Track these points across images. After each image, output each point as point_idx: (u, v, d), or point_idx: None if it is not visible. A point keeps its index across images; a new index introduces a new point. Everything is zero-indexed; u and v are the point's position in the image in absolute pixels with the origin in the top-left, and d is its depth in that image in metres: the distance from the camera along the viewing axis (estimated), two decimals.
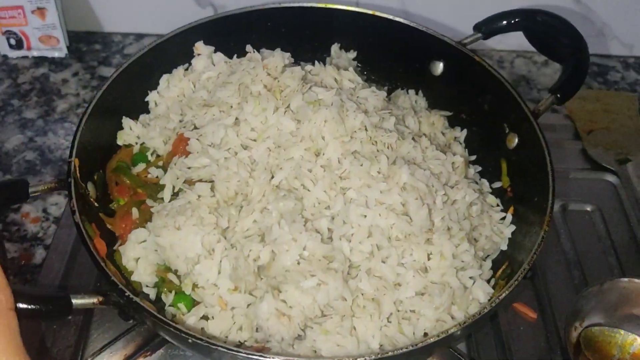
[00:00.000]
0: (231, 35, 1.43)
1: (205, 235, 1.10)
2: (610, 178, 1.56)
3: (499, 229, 1.26)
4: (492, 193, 1.33)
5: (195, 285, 1.12)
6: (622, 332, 1.21)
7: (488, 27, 1.41)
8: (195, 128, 1.28)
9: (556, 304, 1.30)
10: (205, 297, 1.11)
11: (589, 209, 1.49)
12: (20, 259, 1.37)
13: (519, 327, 1.27)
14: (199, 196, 1.15)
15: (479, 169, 1.38)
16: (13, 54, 1.83)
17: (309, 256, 1.07)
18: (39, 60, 1.84)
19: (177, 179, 1.21)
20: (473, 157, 1.40)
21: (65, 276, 1.30)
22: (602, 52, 1.96)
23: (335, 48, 1.52)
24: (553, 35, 1.36)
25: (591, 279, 1.35)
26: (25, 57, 1.84)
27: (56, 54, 1.85)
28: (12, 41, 1.80)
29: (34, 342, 1.19)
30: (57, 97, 1.75)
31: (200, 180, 1.19)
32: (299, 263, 1.06)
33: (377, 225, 1.11)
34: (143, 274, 1.15)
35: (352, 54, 1.52)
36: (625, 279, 1.22)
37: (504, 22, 1.40)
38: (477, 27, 1.42)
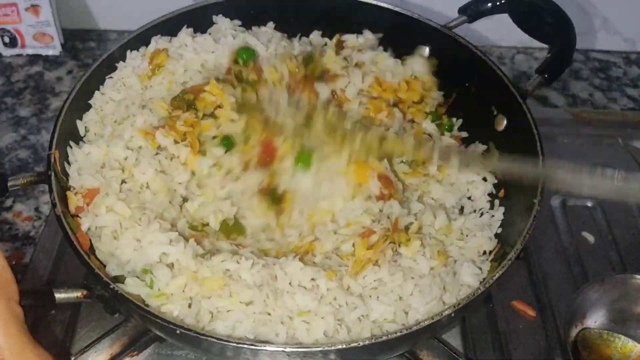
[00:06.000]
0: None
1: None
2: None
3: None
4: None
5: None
6: (622, 337, 1.18)
7: (473, 10, 1.38)
8: None
9: (556, 301, 1.27)
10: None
11: (589, 204, 1.46)
12: (11, 258, 1.35)
13: (517, 325, 1.25)
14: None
15: None
16: (7, 52, 1.81)
17: None
18: (33, 58, 1.82)
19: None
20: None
21: (53, 273, 1.27)
22: (604, 47, 1.93)
23: (316, 35, 1.47)
24: (539, 15, 1.34)
25: (592, 275, 1.32)
26: (19, 55, 1.82)
27: (50, 52, 1.83)
28: (6, 39, 1.79)
29: None
30: (51, 95, 1.73)
31: None
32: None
33: None
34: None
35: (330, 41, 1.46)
36: (627, 275, 1.20)
37: (489, 4, 1.37)
38: (462, 10, 1.39)
